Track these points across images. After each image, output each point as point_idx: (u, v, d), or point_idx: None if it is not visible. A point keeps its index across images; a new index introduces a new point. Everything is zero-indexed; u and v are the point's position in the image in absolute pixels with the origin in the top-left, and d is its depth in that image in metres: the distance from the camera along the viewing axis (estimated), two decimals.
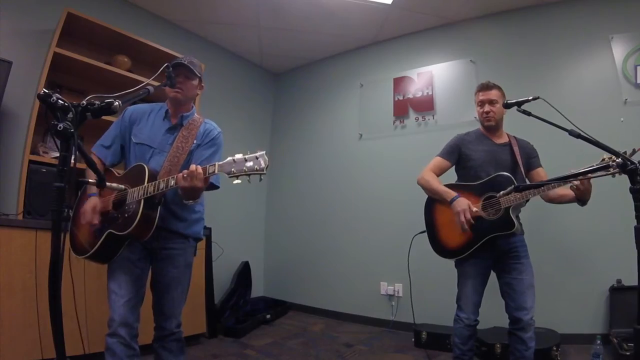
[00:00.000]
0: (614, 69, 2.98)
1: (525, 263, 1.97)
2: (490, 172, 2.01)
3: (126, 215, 1.52)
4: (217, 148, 1.80)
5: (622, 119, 2.88)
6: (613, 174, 1.42)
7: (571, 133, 1.54)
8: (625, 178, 1.34)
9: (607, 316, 2.73)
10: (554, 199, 1.96)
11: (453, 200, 1.97)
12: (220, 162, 1.35)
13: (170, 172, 1.61)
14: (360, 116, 4.15)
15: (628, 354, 2.30)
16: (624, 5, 3.00)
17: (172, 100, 1.77)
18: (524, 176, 2.03)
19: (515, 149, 2.06)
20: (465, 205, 1.93)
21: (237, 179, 1.31)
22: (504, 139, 2.13)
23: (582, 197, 1.81)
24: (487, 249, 1.95)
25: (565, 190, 1.90)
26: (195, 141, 1.75)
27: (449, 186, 2.08)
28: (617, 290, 2.69)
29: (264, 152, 1.31)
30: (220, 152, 1.81)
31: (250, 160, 1.29)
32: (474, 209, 1.93)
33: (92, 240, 1.59)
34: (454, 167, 2.19)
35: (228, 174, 1.31)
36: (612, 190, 1.97)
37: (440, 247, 2.09)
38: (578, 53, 3.16)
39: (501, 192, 1.86)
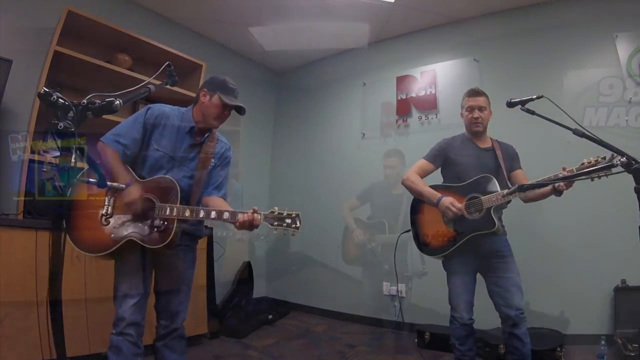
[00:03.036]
0: (619, 68, 2.95)
1: (509, 262, 2.02)
2: (473, 177, 2.06)
3: (155, 229, 1.57)
4: (229, 168, 1.92)
5: (626, 118, 2.86)
6: (598, 178, 1.54)
7: (575, 132, 1.54)
8: (630, 179, 1.33)
9: (611, 316, 2.71)
10: (533, 198, 2.02)
11: (439, 200, 2.04)
12: (266, 213, 1.59)
13: (197, 194, 1.72)
14: (363, 115, 4.13)
15: (633, 354, 2.29)
16: (629, 4, 2.96)
17: (208, 124, 1.78)
18: (507, 179, 2.08)
19: (499, 152, 2.13)
20: (451, 199, 2.02)
21: (276, 230, 1.60)
22: (487, 144, 2.19)
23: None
24: (471, 248, 2.00)
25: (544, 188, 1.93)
26: (213, 161, 1.81)
27: (434, 187, 2.14)
28: (622, 291, 2.67)
29: (299, 213, 1.64)
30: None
31: (289, 218, 1.62)
32: (459, 205, 1.99)
33: (108, 241, 1.57)
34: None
35: (270, 224, 1.60)
36: (616, 190, 1.96)
37: (424, 245, 2.16)
38: (582, 52, 3.13)
39: (505, 191, 1.87)
